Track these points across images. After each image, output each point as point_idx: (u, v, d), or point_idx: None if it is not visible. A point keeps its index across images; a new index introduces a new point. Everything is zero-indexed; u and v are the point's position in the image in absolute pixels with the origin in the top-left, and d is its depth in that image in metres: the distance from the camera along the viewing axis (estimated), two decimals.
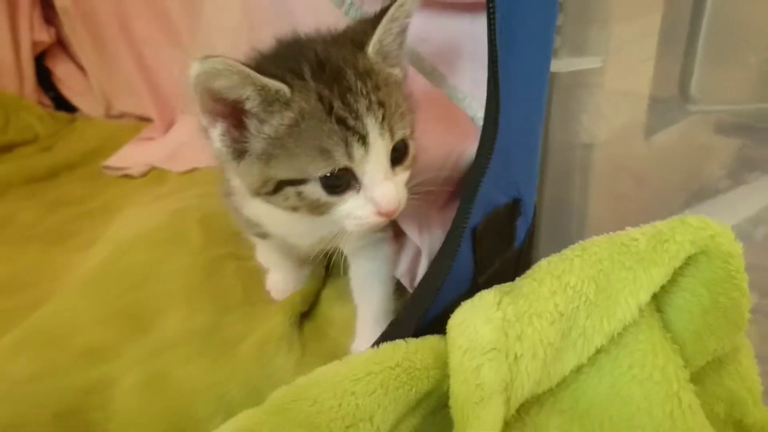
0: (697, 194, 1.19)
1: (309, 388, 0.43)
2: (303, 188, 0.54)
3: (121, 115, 1.62)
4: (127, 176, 1.34)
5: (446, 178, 0.72)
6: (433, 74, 0.67)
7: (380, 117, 0.52)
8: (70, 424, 0.62)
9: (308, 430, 0.41)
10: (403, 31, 0.56)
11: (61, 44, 1.64)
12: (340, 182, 0.53)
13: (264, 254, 0.84)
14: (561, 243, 0.63)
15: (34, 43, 1.56)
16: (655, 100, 0.97)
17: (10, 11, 1.51)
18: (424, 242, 0.73)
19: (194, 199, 1.02)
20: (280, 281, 0.81)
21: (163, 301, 0.79)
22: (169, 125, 1.45)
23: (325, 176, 0.52)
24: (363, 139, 0.51)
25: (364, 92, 0.52)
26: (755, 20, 1.01)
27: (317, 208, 0.55)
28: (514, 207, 0.66)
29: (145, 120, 1.54)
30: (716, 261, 0.52)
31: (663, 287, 0.53)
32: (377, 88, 0.53)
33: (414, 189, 0.60)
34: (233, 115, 0.54)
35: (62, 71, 1.65)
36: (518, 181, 0.66)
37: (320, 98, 0.51)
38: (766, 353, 0.81)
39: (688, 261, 0.53)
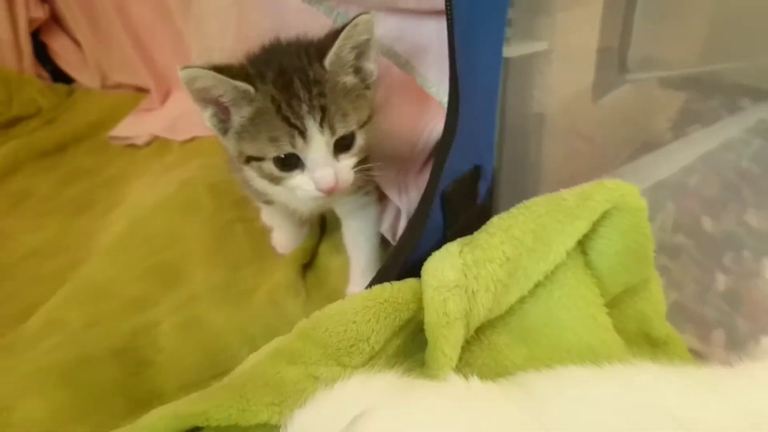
0: (642, 148, 1.34)
1: (322, 319, 0.59)
2: (262, 164, 0.70)
3: (117, 86, 1.72)
4: (132, 146, 1.46)
5: (420, 150, 0.87)
6: (406, 66, 0.81)
7: (319, 118, 0.67)
8: (126, 358, 0.79)
9: (324, 349, 0.58)
10: (359, 46, 0.69)
11: (55, 19, 1.73)
12: (289, 162, 0.69)
13: (269, 216, 0.99)
14: (520, 197, 0.79)
15: (30, 20, 1.65)
16: (598, 70, 1.11)
17: None
18: (403, 203, 0.88)
19: (199, 169, 1.16)
20: (284, 239, 0.97)
21: (186, 260, 0.95)
22: (165, 96, 1.57)
23: (276, 157, 0.68)
24: (303, 134, 0.66)
25: (308, 99, 0.67)
26: None
27: (273, 180, 0.71)
28: (476, 172, 0.82)
29: (141, 90, 1.65)
30: (626, 214, 0.69)
31: (586, 235, 0.69)
32: (321, 95, 0.67)
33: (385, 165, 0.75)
34: (217, 103, 0.69)
35: (58, 45, 1.74)
36: (479, 151, 0.81)
37: (273, 100, 0.66)
38: (685, 282, 0.99)
39: (605, 215, 0.69)
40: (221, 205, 1.06)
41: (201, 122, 1.43)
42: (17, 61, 1.67)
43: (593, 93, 1.14)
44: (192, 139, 1.41)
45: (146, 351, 0.79)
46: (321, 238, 0.99)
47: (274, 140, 0.67)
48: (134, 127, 1.50)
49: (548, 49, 0.93)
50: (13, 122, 1.58)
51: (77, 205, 1.23)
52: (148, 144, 1.45)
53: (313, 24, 0.79)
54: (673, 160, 1.30)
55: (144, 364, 0.77)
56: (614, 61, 1.13)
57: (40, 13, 1.65)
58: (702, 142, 1.38)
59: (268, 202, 0.90)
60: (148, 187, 1.18)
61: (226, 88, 0.66)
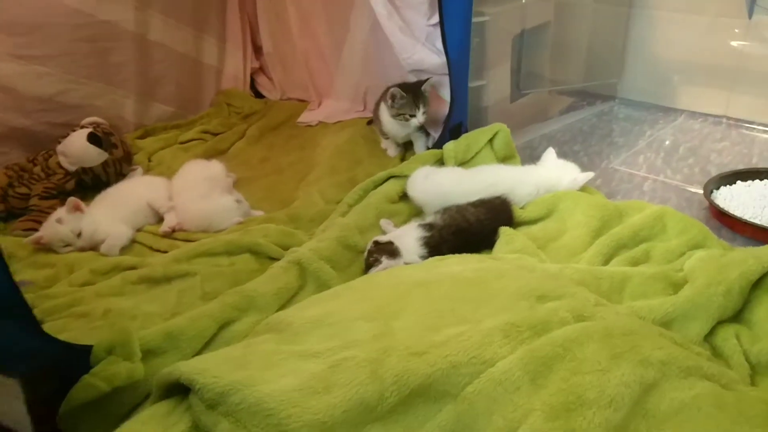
0: (542, 123, 3.08)
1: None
2: (405, 115, 2.42)
3: (289, 99, 3.48)
4: (308, 126, 3.19)
5: (441, 120, 2.59)
6: (437, 89, 2.53)
7: (420, 105, 2.40)
8: None
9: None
10: (427, 86, 2.42)
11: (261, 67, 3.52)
12: (410, 115, 2.42)
13: (385, 144, 2.70)
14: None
15: (252, 69, 3.44)
16: (510, 90, 2.83)
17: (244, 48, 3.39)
18: (434, 134, 2.60)
19: (353, 133, 2.84)
20: (393, 151, 2.67)
21: (360, 159, 2.67)
22: (319, 103, 3.31)
23: (407, 113, 2.41)
24: (417, 109, 2.39)
25: (418, 99, 2.40)
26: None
27: (404, 122, 2.44)
28: (459, 124, 2.55)
29: (302, 101, 3.41)
30: (501, 133, 2.39)
31: (489, 139, 2.40)
32: (420, 98, 2.39)
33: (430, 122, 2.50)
34: (393, 97, 2.42)
35: (261, 79, 3.53)
36: (460, 117, 2.53)
37: (410, 99, 2.40)
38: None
39: (495, 133, 2.40)
40: (366, 142, 2.78)
41: (341, 113, 3.29)
42: (243, 87, 3.45)
43: (510, 99, 2.86)
44: (337, 122, 3.13)
45: None
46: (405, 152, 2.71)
47: (409, 109, 2.39)
48: (308, 117, 3.23)
49: (486, 83, 2.67)
50: (246, 116, 3.34)
51: (300, 147, 2.96)
52: (317, 124, 3.18)
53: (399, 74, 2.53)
54: (552, 126, 3.05)
55: None
56: (516, 86, 2.85)
57: (256, 64, 3.44)
58: (569, 119, 3.16)
59: (385, 135, 2.63)
60: (332, 138, 2.90)
61: (399, 93, 2.39)
